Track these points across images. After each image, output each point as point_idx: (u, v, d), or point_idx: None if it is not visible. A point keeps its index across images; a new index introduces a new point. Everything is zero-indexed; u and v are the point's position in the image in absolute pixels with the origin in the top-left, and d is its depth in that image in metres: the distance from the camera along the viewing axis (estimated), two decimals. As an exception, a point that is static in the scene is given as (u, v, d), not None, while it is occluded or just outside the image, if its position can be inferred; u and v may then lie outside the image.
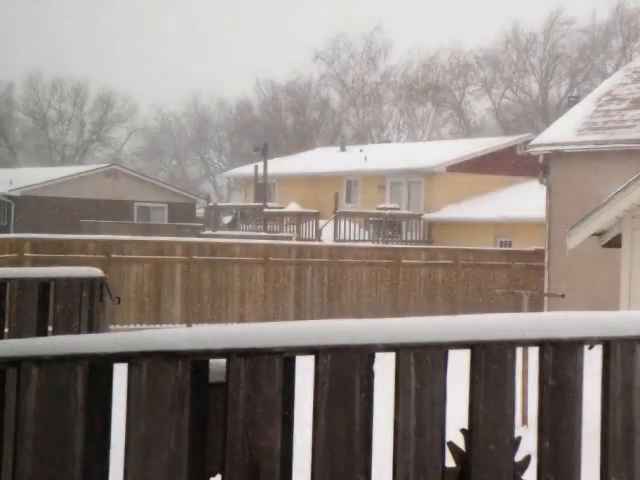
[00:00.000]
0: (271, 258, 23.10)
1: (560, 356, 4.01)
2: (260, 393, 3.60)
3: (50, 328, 7.30)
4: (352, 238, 35.09)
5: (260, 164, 44.18)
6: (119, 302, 7.56)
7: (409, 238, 36.78)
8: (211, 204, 46.06)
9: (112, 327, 19.19)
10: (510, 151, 38.96)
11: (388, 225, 36.77)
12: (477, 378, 3.89)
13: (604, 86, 27.61)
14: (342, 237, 35.45)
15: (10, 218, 47.48)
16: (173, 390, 3.52)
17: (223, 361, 3.61)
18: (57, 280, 7.29)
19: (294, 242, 30.95)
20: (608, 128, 24.66)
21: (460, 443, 4.02)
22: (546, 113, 65.32)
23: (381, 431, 4.13)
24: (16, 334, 7.09)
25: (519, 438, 4.07)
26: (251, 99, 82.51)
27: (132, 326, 20.89)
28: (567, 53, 70.89)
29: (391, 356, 3.81)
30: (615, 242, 14.91)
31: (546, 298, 22.54)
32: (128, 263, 21.29)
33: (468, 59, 73.95)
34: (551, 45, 71.51)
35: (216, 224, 41.92)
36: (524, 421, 11.03)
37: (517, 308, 13.60)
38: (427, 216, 37.53)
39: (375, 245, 32.35)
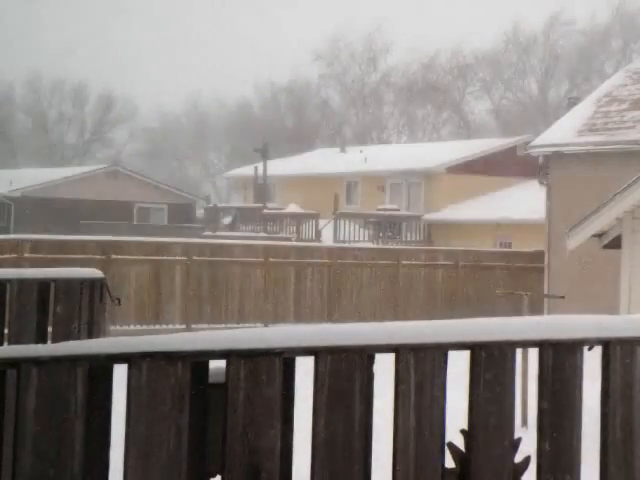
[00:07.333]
0: (271, 259, 23.10)
1: (560, 357, 4.02)
2: (260, 394, 3.61)
3: (50, 329, 7.31)
4: (352, 239, 35.10)
5: (260, 165, 44.21)
6: (119, 303, 7.56)
7: (409, 239, 36.79)
8: (211, 205, 46.08)
9: (112, 328, 19.18)
10: (510, 152, 38.98)
11: (388, 226, 36.78)
12: (477, 379, 3.90)
13: (604, 87, 27.62)
14: (342, 238, 35.46)
15: (10, 219, 47.48)
16: (173, 391, 3.52)
17: (223, 362, 3.62)
18: (57, 281, 7.30)
19: (294, 243, 30.95)
20: (608, 129, 24.67)
21: (460, 444, 4.03)
22: (546, 114, 65.32)
23: (381, 431, 4.13)
24: (16, 335, 7.10)
25: (519, 439, 4.07)
26: (251, 99, 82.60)
27: (132, 327, 20.89)
28: (567, 54, 70.94)
29: (391, 357, 3.82)
30: (615, 243, 14.91)
31: (546, 299, 22.53)
32: (128, 264, 21.27)
33: (468, 60, 74.02)
34: (551, 46, 71.55)
35: (216, 225, 41.93)
36: (524, 422, 11.01)
37: (517, 309, 13.61)
38: (427, 217, 37.54)
39: (375, 246, 32.35)
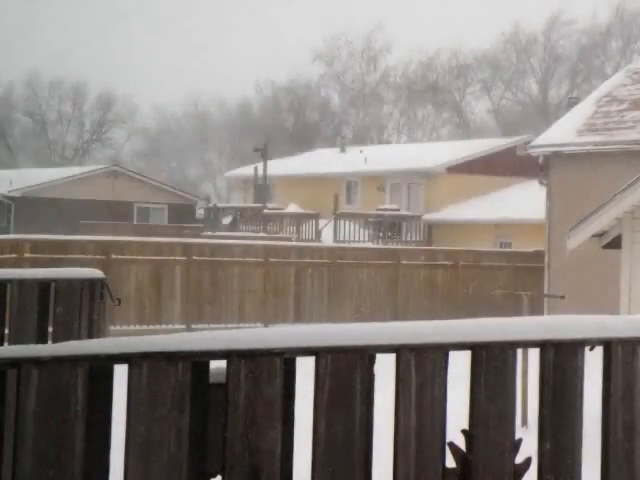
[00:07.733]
0: (271, 259, 23.10)
1: (561, 357, 4.01)
2: (260, 394, 3.60)
3: (50, 329, 7.30)
4: (352, 239, 35.11)
5: (260, 165, 44.23)
6: (119, 303, 7.55)
7: (409, 239, 36.79)
8: (211, 205, 46.11)
9: (112, 328, 19.20)
10: (510, 152, 38.98)
11: (388, 226, 36.78)
12: (477, 379, 3.89)
13: (604, 87, 27.62)
14: (342, 238, 35.46)
15: (10, 219, 47.49)
16: (173, 391, 3.52)
17: (223, 362, 3.61)
18: (58, 281, 7.29)
19: (294, 243, 30.95)
20: (608, 129, 24.67)
21: (461, 444, 4.02)
22: (546, 114, 65.32)
23: (381, 432, 4.13)
24: (16, 335, 7.09)
25: (520, 440, 4.07)
26: (251, 99, 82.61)
27: (132, 327, 20.89)
28: (567, 54, 70.96)
29: (392, 357, 3.81)
30: (615, 243, 14.91)
31: (546, 299, 22.53)
32: (128, 264, 21.27)
33: (468, 60, 74.04)
34: (551, 46, 71.56)
35: (216, 225, 41.93)
36: (524, 422, 11.00)
37: (517, 309, 13.61)
38: (427, 217, 37.53)
39: (375, 246, 32.35)
